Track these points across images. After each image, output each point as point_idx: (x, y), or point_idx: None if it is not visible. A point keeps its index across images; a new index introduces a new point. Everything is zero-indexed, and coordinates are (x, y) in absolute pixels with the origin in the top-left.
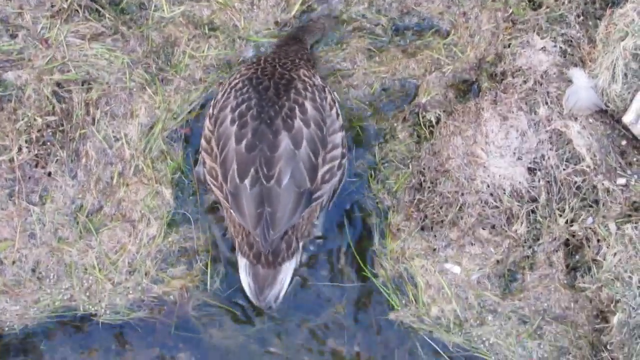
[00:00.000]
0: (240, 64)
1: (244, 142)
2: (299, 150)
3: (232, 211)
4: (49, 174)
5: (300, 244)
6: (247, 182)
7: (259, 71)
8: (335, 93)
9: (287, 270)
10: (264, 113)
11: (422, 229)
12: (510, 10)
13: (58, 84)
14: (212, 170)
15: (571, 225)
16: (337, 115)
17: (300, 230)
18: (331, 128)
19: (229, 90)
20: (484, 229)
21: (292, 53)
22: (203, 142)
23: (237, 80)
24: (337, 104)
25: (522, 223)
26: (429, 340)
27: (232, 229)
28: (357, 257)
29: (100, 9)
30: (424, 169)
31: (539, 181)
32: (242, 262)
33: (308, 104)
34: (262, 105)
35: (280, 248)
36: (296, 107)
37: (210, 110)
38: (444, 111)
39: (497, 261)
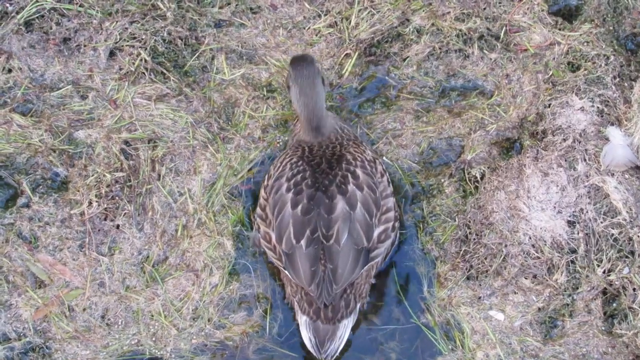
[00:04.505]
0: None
1: (299, 207)
2: (354, 211)
3: (286, 271)
4: (117, 226)
5: (358, 305)
6: (302, 242)
7: (306, 151)
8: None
9: (345, 328)
10: (318, 183)
11: (468, 278)
12: (551, 73)
13: (126, 142)
14: (266, 235)
15: (608, 275)
16: (388, 183)
17: (359, 290)
18: (384, 193)
19: (283, 162)
20: (526, 278)
21: (333, 136)
22: (258, 209)
23: (289, 157)
24: (387, 174)
25: (562, 273)
26: None
27: (289, 289)
28: (407, 304)
29: (165, 71)
30: (469, 222)
31: (578, 233)
32: (303, 319)
33: (359, 171)
34: (315, 177)
35: (339, 306)
36: (349, 174)
37: (265, 182)
38: (488, 167)
39: (539, 309)
